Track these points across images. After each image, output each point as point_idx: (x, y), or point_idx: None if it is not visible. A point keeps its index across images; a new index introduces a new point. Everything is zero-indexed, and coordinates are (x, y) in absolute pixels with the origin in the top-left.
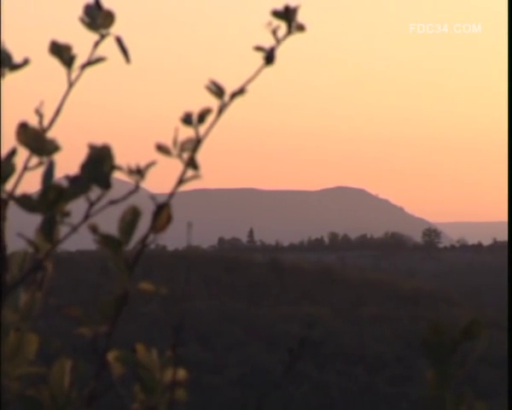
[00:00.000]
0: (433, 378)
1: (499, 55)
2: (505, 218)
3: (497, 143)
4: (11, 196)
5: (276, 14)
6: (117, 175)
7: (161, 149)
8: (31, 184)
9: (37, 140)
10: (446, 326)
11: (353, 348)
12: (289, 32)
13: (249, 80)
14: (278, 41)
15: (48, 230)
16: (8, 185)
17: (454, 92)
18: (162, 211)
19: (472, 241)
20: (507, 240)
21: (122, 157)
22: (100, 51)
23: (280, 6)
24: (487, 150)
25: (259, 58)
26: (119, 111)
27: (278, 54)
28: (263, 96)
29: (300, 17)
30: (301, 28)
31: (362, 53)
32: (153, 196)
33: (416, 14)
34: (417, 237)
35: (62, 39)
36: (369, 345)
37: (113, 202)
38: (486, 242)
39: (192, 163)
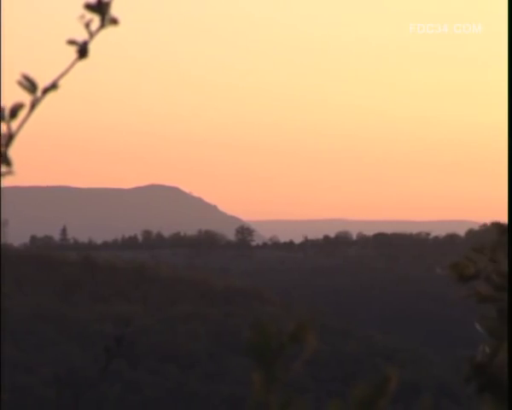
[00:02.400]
0: (259, 381)
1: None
2: (316, 216)
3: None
4: None
5: (89, 7)
6: None
7: None
8: None
9: None
10: (273, 329)
11: (166, 347)
12: (102, 25)
13: (62, 75)
14: (92, 34)
15: None
16: None
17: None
18: None
19: (284, 239)
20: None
21: None
22: None
23: None
24: (300, 151)
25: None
26: None
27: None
28: (77, 92)
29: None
30: (114, 22)
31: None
32: None
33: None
34: (230, 235)
35: None
36: (182, 343)
37: None
38: (298, 240)
39: (5, 159)
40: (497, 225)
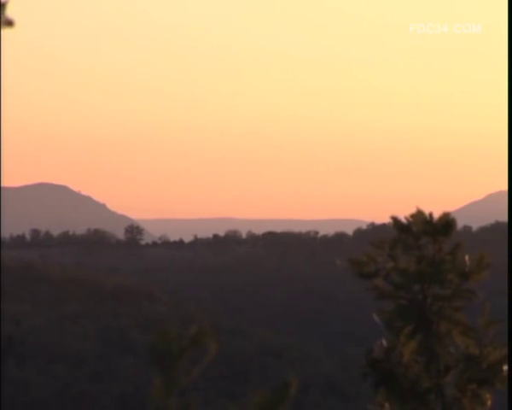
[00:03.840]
0: (159, 385)
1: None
2: (206, 215)
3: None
4: None
5: None
6: None
7: None
8: None
9: None
10: (174, 334)
11: (54, 346)
12: None
13: None
14: None
15: None
16: None
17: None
18: None
19: (174, 238)
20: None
21: None
22: None
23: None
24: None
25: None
26: None
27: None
28: None
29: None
30: (10, 23)
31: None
32: None
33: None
34: (120, 234)
35: None
36: (70, 343)
37: None
38: (188, 238)
39: None
40: (396, 222)
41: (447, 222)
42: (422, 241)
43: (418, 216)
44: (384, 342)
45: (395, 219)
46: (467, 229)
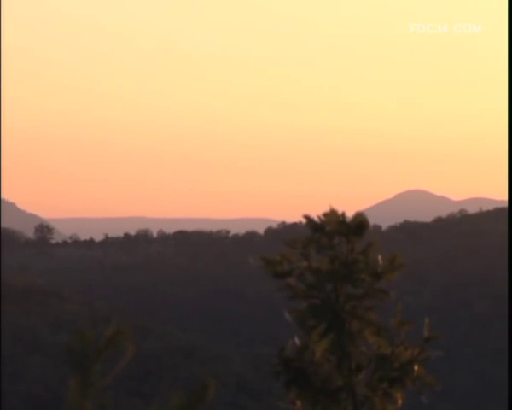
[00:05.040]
0: (75, 386)
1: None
2: (116, 214)
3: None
4: None
5: None
6: None
7: None
8: None
9: None
10: (91, 335)
11: None
12: None
13: None
14: None
15: None
16: None
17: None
18: None
19: (84, 237)
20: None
21: None
22: None
23: None
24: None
25: None
26: None
27: None
28: None
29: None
30: None
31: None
32: None
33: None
34: (30, 233)
35: None
36: None
37: None
38: (98, 238)
39: None
40: (309, 222)
41: (360, 222)
42: (336, 240)
43: (331, 216)
44: (296, 341)
45: (308, 219)
46: (376, 228)
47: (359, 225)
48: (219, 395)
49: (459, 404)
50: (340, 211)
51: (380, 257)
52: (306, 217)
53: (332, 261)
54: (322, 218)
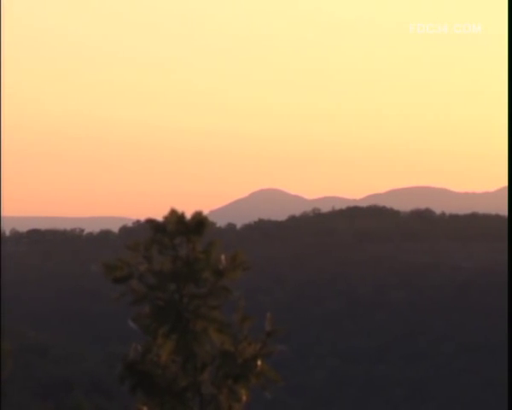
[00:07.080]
0: None
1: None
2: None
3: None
4: None
5: None
6: None
7: None
8: None
9: None
10: None
11: None
12: None
13: None
14: None
15: None
16: None
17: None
18: None
19: None
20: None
21: None
22: None
23: None
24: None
25: None
26: None
27: None
28: None
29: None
30: None
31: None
32: None
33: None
34: None
35: None
36: None
37: None
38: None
39: None
40: (151, 223)
41: (199, 221)
42: (177, 240)
43: (172, 216)
44: (139, 346)
45: (150, 220)
46: (231, 226)
47: (198, 223)
48: (72, 394)
49: (313, 400)
50: (182, 211)
51: (223, 256)
52: (148, 220)
53: (174, 261)
54: (165, 218)
